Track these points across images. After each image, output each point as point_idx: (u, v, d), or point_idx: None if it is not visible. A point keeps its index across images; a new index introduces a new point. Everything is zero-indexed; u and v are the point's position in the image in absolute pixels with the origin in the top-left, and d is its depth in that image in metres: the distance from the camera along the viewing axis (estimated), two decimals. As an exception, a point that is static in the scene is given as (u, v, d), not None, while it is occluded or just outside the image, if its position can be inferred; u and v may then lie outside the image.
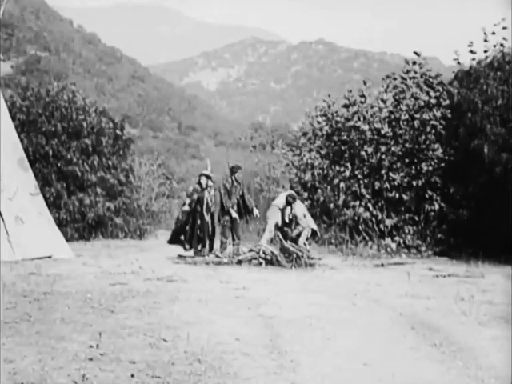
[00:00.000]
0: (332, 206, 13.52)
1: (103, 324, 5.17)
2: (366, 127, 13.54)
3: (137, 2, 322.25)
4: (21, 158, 10.57)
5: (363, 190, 13.33)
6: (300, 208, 11.33)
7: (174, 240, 11.26)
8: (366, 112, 13.82)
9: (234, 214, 11.04)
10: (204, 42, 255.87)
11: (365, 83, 14.32)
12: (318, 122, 14.66)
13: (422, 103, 13.32)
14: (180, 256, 10.79)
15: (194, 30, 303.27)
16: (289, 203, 11.17)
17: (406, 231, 12.93)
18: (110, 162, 15.83)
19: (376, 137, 13.58)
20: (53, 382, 3.67)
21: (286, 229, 11.08)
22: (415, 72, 13.82)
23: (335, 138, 14.09)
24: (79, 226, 14.84)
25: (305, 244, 10.90)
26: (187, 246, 11.09)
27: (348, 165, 13.70)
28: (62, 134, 15.09)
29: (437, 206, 12.88)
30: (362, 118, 13.77)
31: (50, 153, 14.79)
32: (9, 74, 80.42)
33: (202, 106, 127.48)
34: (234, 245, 10.92)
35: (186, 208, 11.22)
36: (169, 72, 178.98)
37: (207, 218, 11.14)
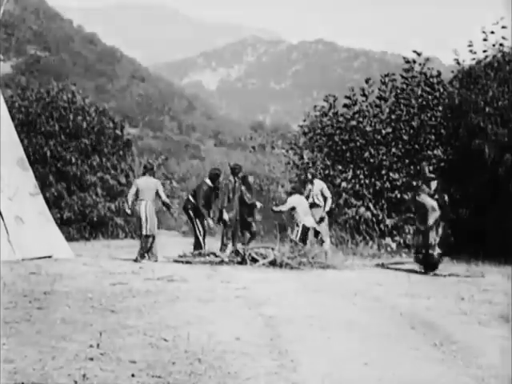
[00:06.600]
0: (333, 205, 13.52)
1: (104, 324, 5.17)
2: (368, 128, 13.53)
3: (137, 2, 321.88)
4: (21, 158, 10.57)
5: (364, 190, 13.33)
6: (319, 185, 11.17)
7: None
8: (368, 112, 13.81)
9: (226, 216, 10.94)
10: (204, 42, 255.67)
11: (367, 82, 14.31)
12: (321, 122, 14.63)
13: (423, 103, 13.32)
14: (180, 255, 10.78)
15: (194, 30, 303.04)
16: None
17: (407, 231, 12.94)
18: (109, 164, 15.84)
19: (377, 137, 13.58)
20: (53, 382, 3.67)
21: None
22: (415, 71, 13.83)
23: (336, 137, 14.09)
24: (80, 226, 14.86)
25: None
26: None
27: (349, 164, 13.70)
28: (60, 134, 15.10)
29: (437, 206, 12.87)
30: (364, 118, 13.76)
31: (48, 153, 14.81)
32: (9, 74, 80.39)
33: (202, 105, 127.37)
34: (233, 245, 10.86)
35: None
36: (169, 72, 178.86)
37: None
